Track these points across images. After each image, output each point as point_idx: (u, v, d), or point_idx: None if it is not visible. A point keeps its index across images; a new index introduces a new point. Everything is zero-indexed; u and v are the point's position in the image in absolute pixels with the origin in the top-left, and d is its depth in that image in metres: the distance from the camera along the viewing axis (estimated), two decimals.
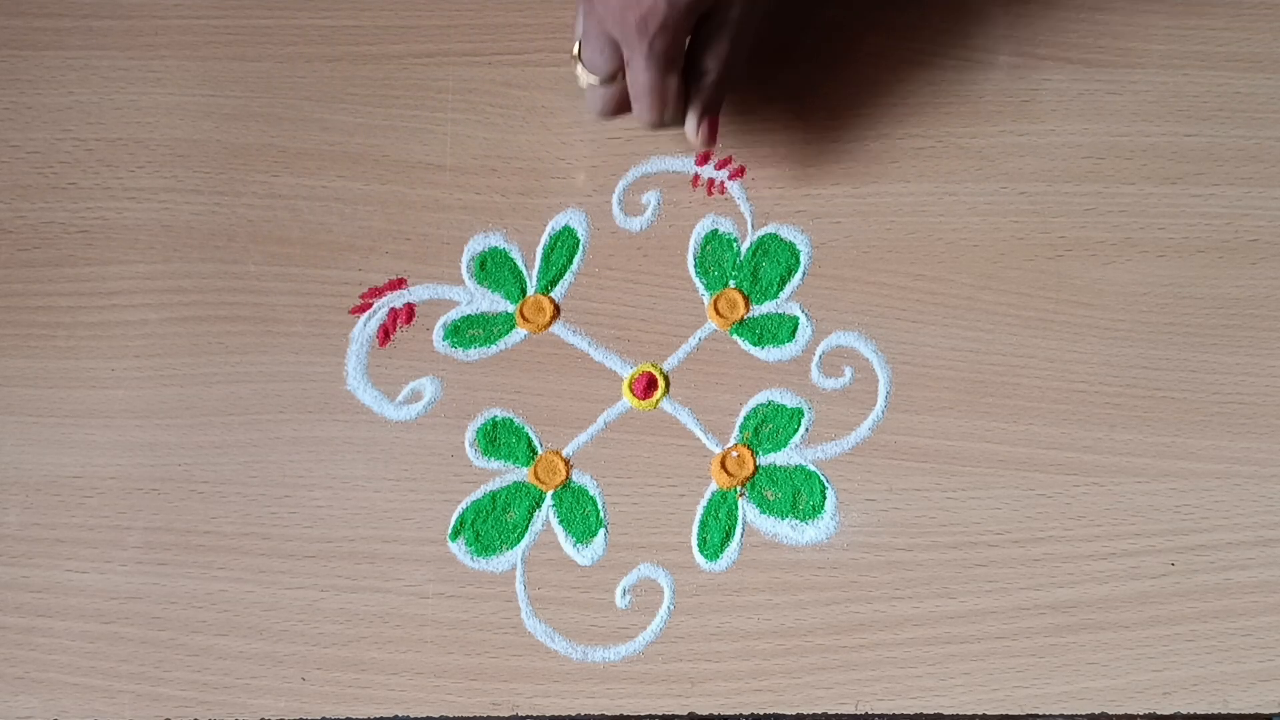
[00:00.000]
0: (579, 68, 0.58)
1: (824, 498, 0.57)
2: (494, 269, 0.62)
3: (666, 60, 0.55)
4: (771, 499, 0.58)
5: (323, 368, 0.60)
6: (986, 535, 0.57)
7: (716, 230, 0.62)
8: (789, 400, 0.59)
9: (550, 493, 0.58)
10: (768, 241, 0.62)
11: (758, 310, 0.61)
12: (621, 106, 0.58)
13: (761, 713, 0.54)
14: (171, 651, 0.56)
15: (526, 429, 0.59)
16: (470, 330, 0.61)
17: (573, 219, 0.63)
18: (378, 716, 0.55)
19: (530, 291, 0.62)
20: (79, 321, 0.61)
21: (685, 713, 0.55)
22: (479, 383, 0.60)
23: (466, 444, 0.59)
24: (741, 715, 0.54)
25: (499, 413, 0.59)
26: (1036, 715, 0.54)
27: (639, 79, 0.56)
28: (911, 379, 0.59)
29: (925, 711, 0.54)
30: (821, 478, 0.58)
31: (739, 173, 0.63)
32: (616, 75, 0.57)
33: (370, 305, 0.61)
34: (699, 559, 0.57)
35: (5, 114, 0.65)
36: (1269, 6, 0.66)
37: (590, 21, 0.56)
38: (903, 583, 0.56)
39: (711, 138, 0.59)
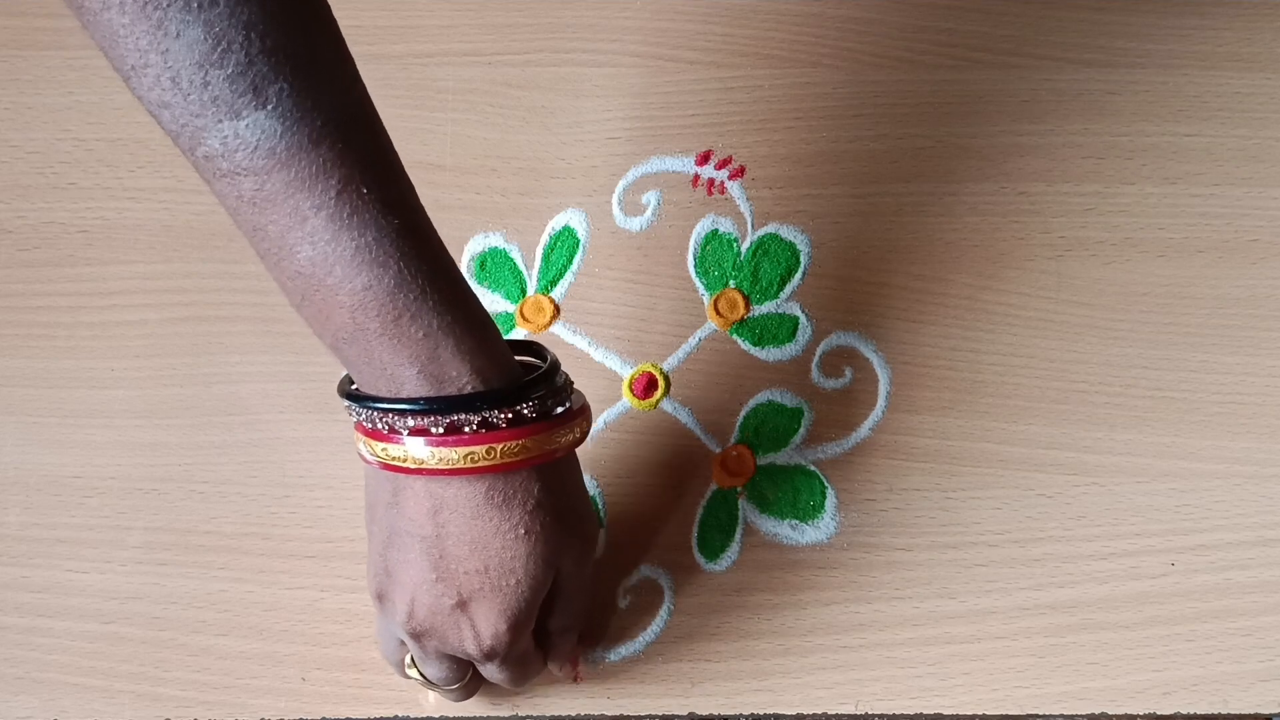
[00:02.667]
0: (416, 674, 0.51)
1: (824, 498, 0.57)
2: (494, 269, 0.62)
3: (524, 656, 0.50)
4: (771, 499, 0.57)
5: (323, 368, 0.60)
6: (986, 535, 0.57)
7: (716, 230, 0.62)
8: (789, 400, 0.59)
9: None
10: (768, 241, 0.62)
11: (758, 310, 0.61)
12: (476, 687, 0.53)
13: (761, 713, 0.54)
14: (171, 651, 0.56)
15: None
16: None
17: (573, 219, 0.63)
18: (378, 716, 0.55)
19: (530, 291, 0.62)
20: (79, 321, 0.61)
21: (685, 713, 0.55)
22: None
23: None
24: (741, 715, 0.54)
25: None
26: (1036, 715, 0.54)
27: (500, 678, 0.51)
28: (911, 379, 0.59)
29: (925, 711, 0.54)
30: (821, 478, 0.58)
31: (739, 173, 0.63)
32: (469, 672, 0.51)
33: None
34: (699, 559, 0.57)
35: (5, 114, 0.65)
36: (1269, 6, 0.66)
37: (423, 645, 0.49)
38: (903, 583, 0.56)
39: (575, 675, 0.55)
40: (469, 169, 0.64)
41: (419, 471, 0.44)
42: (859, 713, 0.54)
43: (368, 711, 0.55)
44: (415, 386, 0.43)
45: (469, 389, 0.44)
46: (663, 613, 0.56)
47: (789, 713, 0.54)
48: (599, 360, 0.60)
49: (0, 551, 0.57)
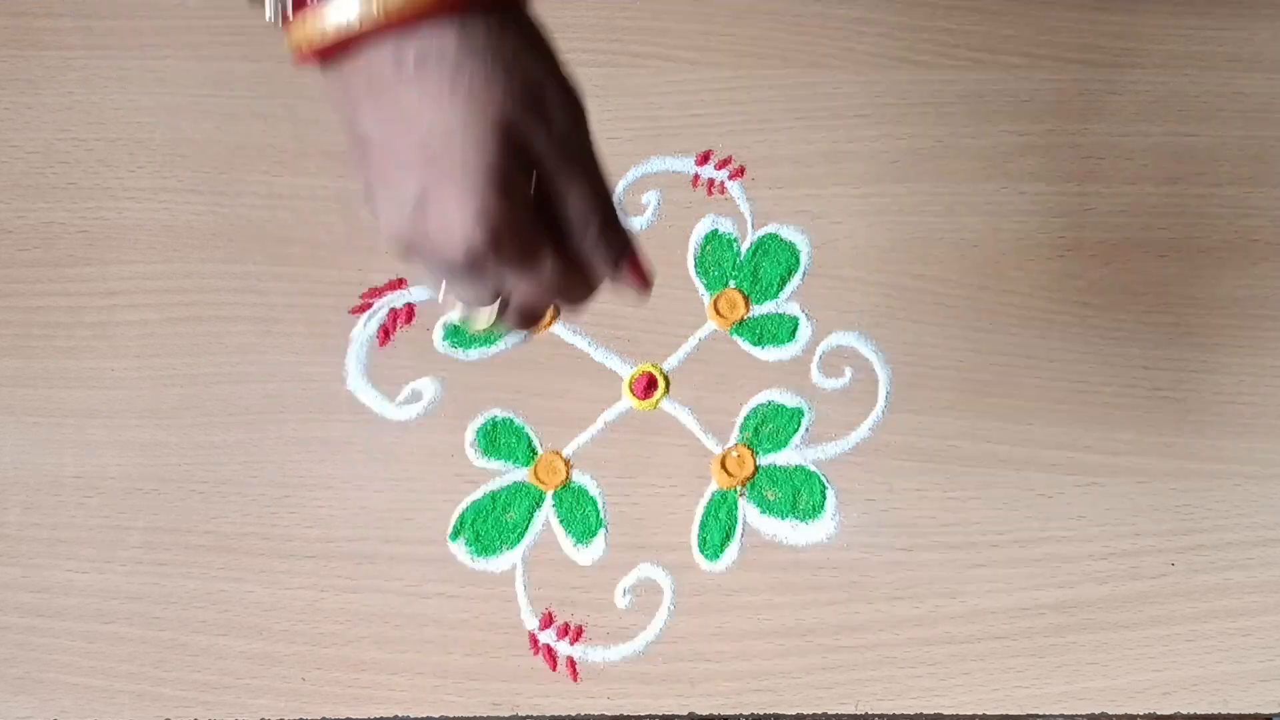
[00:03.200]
0: (454, 306, 0.44)
1: (824, 498, 0.57)
2: None
3: (534, 251, 0.41)
4: (771, 499, 0.58)
5: (323, 368, 0.60)
6: (987, 535, 0.57)
7: (716, 230, 0.62)
8: (789, 400, 0.59)
9: (550, 493, 0.58)
10: (768, 241, 0.62)
11: (758, 310, 0.61)
12: (540, 308, 0.44)
13: (761, 713, 0.54)
14: (171, 651, 0.56)
15: (526, 429, 0.59)
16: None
17: None
18: (378, 716, 0.55)
19: None
20: (79, 321, 0.61)
21: (685, 713, 0.55)
22: (479, 383, 0.60)
23: (466, 444, 0.59)
24: (741, 715, 0.54)
25: (499, 413, 0.59)
26: (1036, 715, 0.54)
27: (526, 289, 0.43)
28: (911, 379, 0.59)
29: (925, 711, 0.54)
30: (821, 478, 0.58)
31: (739, 173, 0.63)
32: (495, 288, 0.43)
33: (370, 305, 0.61)
34: (699, 559, 0.57)
35: (5, 114, 0.65)
36: (1269, 6, 0.66)
37: (431, 265, 0.42)
38: (903, 583, 0.56)
39: (643, 280, 0.45)
40: None
41: (343, 44, 0.39)
42: (859, 713, 0.54)
43: (368, 711, 0.55)
44: None
45: None
46: (663, 613, 0.56)
47: (789, 713, 0.54)
48: (599, 360, 0.60)
49: (0, 551, 0.57)
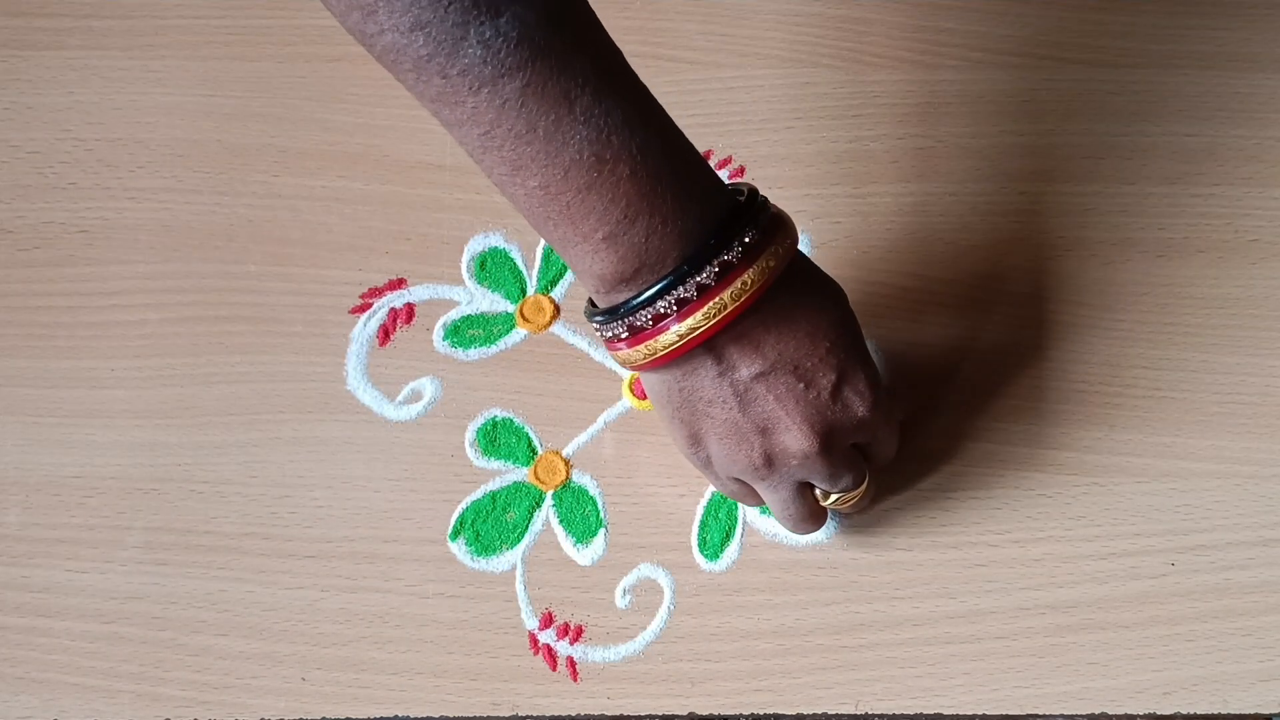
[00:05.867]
0: (831, 503, 0.54)
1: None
2: (494, 269, 0.62)
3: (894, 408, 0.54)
4: None
5: (323, 368, 0.60)
6: (986, 535, 0.57)
7: None
8: None
9: (550, 493, 0.58)
10: None
11: None
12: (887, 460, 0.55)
13: (761, 713, 0.54)
14: (171, 651, 0.56)
15: (526, 429, 0.59)
16: (470, 330, 0.61)
17: None
18: (378, 716, 0.55)
19: (530, 291, 0.62)
20: (79, 321, 0.61)
21: (685, 713, 0.55)
22: (479, 383, 0.60)
23: (466, 444, 0.59)
24: (741, 715, 0.54)
25: (499, 413, 0.59)
26: (1036, 715, 0.54)
27: (889, 439, 0.53)
28: (911, 379, 0.59)
29: (925, 711, 0.54)
30: None
31: (739, 173, 0.63)
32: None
33: (370, 305, 0.61)
34: (699, 559, 0.57)
35: (5, 114, 0.65)
36: (1269, 6, 0.66)
37: (831, 458, 0.50)
38: (903, 583, 0.56)
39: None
40: (469, 169, 0.63)
41: (708, 334, 0.45)
42: (859, 713, 0.54)
43: (368, 711, 0.55)
44: (675, 249, 0.44)
45: (711, 228, 0.45)
46: (663, 613, 0.56)
47: (789, 713, 0.54)
48: (599, 360, 0.60)
49: (0, 551, 0.57)
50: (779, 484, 0.51)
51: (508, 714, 0.55)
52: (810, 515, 0.53)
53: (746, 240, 0.45)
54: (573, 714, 0.55)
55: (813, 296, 0.48)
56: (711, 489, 0.58)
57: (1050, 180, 0.63)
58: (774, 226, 0.46)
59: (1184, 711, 0.54)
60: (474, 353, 0.60)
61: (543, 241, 0.62)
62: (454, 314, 0.61)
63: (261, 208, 0.63)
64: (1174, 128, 0.63)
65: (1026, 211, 0.62)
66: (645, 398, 0.59)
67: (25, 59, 0.66)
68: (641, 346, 0.46)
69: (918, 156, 0.63)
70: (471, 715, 0.55)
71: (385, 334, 0.61)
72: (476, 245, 0.62)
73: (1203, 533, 0.57)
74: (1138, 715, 0.54)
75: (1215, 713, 0.54)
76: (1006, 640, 0.55)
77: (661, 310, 0.45)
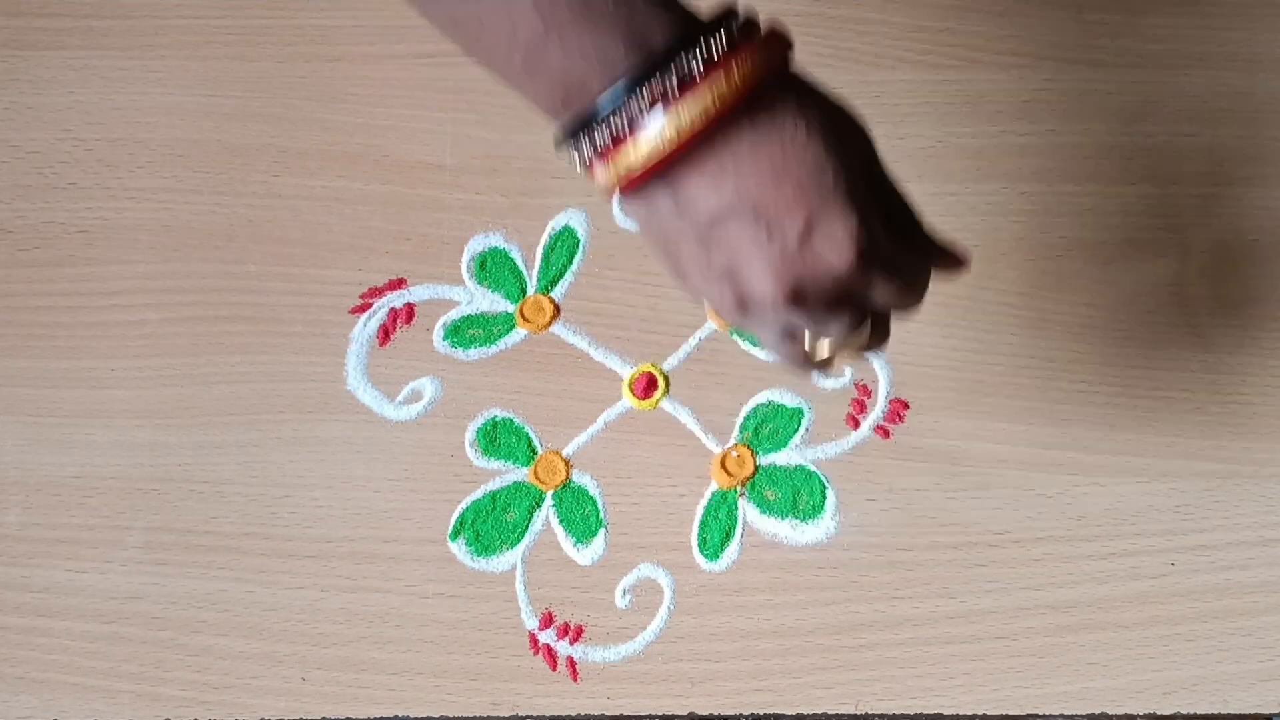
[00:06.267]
0: (825, 351, 0.48)
1: (824, 498, 0.57)
2: (494, 269, 0.62)
3: (894, 250, 0.45)
4: (771, 499, 0.58)
5: (323, 368, 0.60)
6: (986, 535, 0.57)
7: None
8: (789, 400, 0.59)
9: (550, 493, 0.58)
10: None
11: None
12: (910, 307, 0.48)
13: (761, 713, 0.54)
14: (171, 651, 0.56)
15: (526, 429, 0.59)
16: (470, 330, 0.61)
17: (573, 219, 0.63)
18: (378, 716, 0.55)
19: (530, 291, 0.62)
20: (79, 321, 0.61)
21: (685, 713, 0.55)
22: (479, 383, 0.60)
23: (466, 444, 0.59)
24: (741, 715, 0.54)
25: (499, 413, 0.59)
26: (1036, 715, 0.54)
27: (890, 290, 0.46)
28: (911, 379, 0.59)
29: (925, 711, 0.54)
30: (821, 478, 0.58)
31: None
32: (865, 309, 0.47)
33: (370, 305, 0.61)
34: (699, 559, 0.57)
35: (5, 114, 0.65)
36: (1269, 6, 0.66)
37: (808, 302, 0.44)
38: (903, 583, 0.56)
39: (960, 261, 0.49)
40: (469, 169, 0.64)
41: (679, 151, 0.41)
42: (859, 713, 0.54)
43: (368, 711, 0.55)
44: (627, 59, 0.41)
45: (674, 33, 0.41)
46: (663, 613, 0.56)
47: (789, 713, 0.54)
48: (599, 360, 0.60)
49: (0, 551, 0.57)
50: (760, 328, 0.46)
51: (508, 714, 0.55)
52: (802, 358, 0.48)
53: (701, 54, 0.41)
54: (573, 714, 0.55)
55: (795, 128, 0.42)
56: (711, 489, 0.58)
57: (1050, 180, 0.63)
58: (745, 36, 0.42)
59: (1184, 711, 0.54)
60: (474, 353, 0.61)
61: (543, 242, 0.62)
62: (454, 314, 0.61)
63: (261, 208, 0.63)
64: (1174, 128, 0.63)
65: (1026, 211, 0.62)
66: (645, 398, 0.59)
67: (25, 59, 0.66)
68: (611, 166, 0.42)
69: (917, 156, 0.63)
70: (471, 715, 0.55)
71: (385, 334, 0.61)
72: (476, 245, 0.62)
73: (1203, 533, 0.57)
74: (1138, 715, 0.54)
75: (1215, 713, 0.54)
76: (1006, 640, 0.55)
77: (618, 129, 0.41)
